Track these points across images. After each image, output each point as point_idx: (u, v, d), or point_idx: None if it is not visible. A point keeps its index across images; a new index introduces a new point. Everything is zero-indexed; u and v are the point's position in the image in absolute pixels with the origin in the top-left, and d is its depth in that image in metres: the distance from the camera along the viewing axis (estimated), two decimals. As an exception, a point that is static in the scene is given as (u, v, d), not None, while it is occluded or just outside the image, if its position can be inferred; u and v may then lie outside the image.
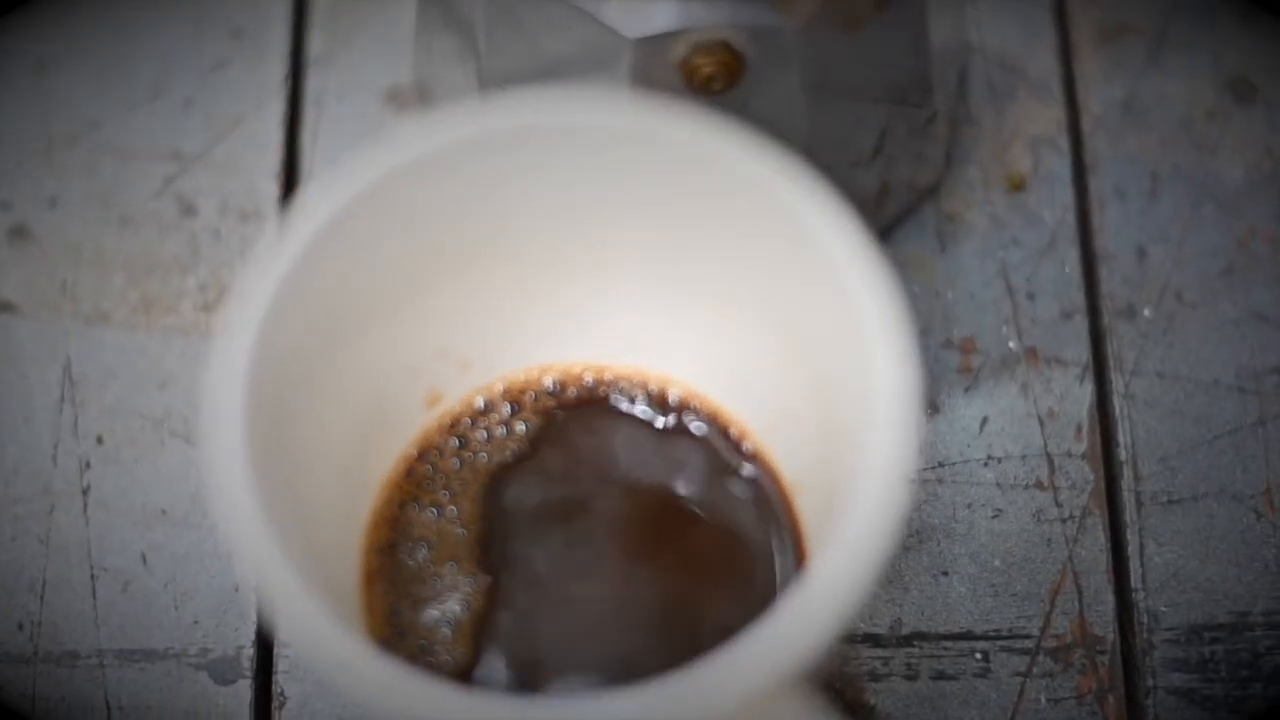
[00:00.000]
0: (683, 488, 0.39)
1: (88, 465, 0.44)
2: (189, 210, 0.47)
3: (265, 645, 0.43)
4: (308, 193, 0.34)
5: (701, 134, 0.34)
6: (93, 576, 0.43)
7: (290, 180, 0.47)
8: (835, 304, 0.33)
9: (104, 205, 0.47)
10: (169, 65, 0.48)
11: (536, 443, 0.39)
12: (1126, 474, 0.45)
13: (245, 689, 0.42)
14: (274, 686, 0.42)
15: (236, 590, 0.43)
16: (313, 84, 0.48)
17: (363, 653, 0.31)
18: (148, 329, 0.46)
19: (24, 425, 0.45)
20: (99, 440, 0.45)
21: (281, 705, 0.42)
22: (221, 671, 0.43)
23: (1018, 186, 0.47)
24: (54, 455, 0.45)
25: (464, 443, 0.39)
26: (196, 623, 0.43)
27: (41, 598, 0.43)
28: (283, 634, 0.33)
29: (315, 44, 0.49)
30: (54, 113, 0.48)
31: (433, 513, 0.38)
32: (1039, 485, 0.45)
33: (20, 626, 0.43)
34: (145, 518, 0.44)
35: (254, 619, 0.43)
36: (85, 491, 0.44)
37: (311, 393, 0.35)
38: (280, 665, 0.43)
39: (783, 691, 0.32)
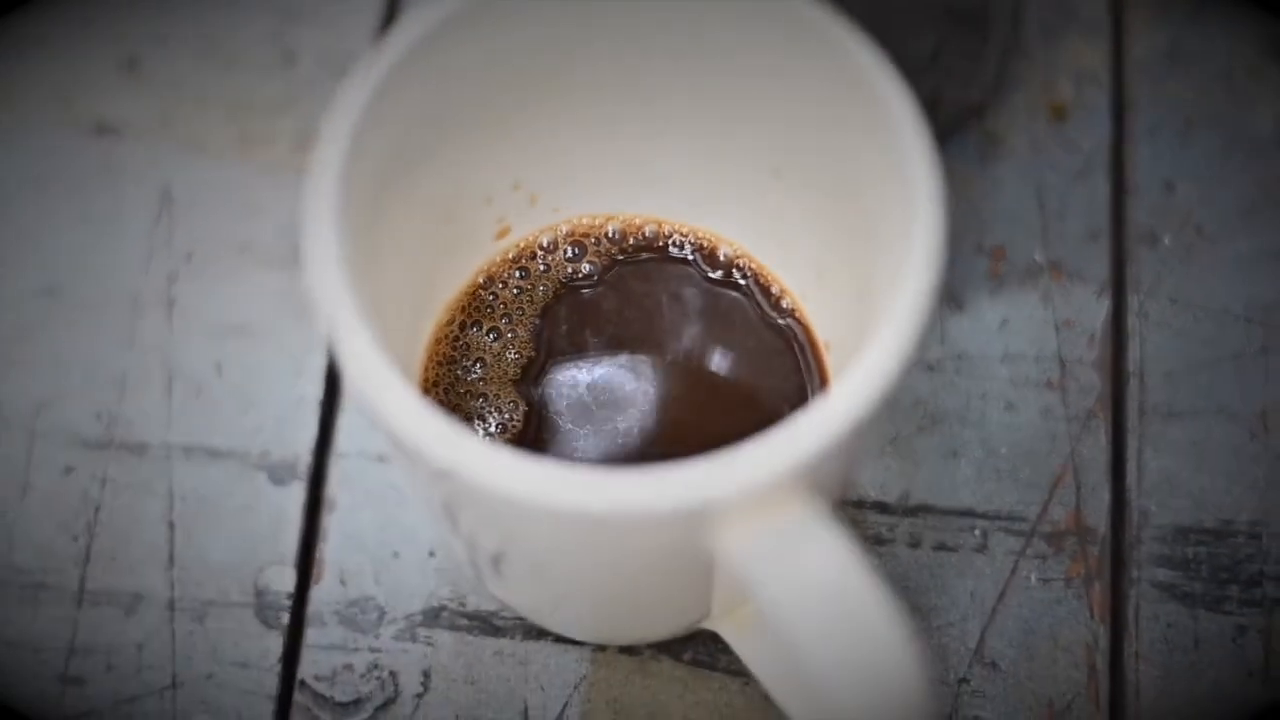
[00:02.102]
0: (723, 335, 0.43)
1: (175, 278, 0.49)
2: (290, 59, 0.51)
3: (321, 454, 0.47)
4: (402, 20, 0.38)
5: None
6: (170, 379, 0.47)
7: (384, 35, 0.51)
8: (887, 163, 0.37)
9: (211, 47, 0.51)
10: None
11: (594, 283, 0.43)
12: (1132, 384, 0.48)
13: (299, 491, 0.47)
14: (325, 491, 0.47)
15: (299, 403, 0.47)
16: None
17: (423, 405, 0.34)
18: (242, 163, 0.50)
19: (119, 238, 0.49)
20: (188, 257, 0.49)
21: (331, 510, 0.46)
22: (278, 474, 0.47)
23: (1059, 116, 0.50)
24: (146, 267, 0.49)
25: (525, 274, 0.43)
26: (260, 429, 0.47)
27: (121, 393, 0.48)
28: (355, 387, 0.37)
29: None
30: None
31: (491, 336, 0.42)
32: (1049, 385, 0.48)
33: (98, 416, 0.47)
34: (223, 331, 0.48)
35: (313, 430, 0.47)
36: (171, 302, 0.48)
37: (394, 202, 0.39)
38: (333, 474, 0.47)
39: (791, 496, 0.35)
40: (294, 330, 0.48)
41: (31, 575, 0.46)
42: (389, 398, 0.34)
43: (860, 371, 0.34)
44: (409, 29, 0.37)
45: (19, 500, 0.47)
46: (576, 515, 0.33)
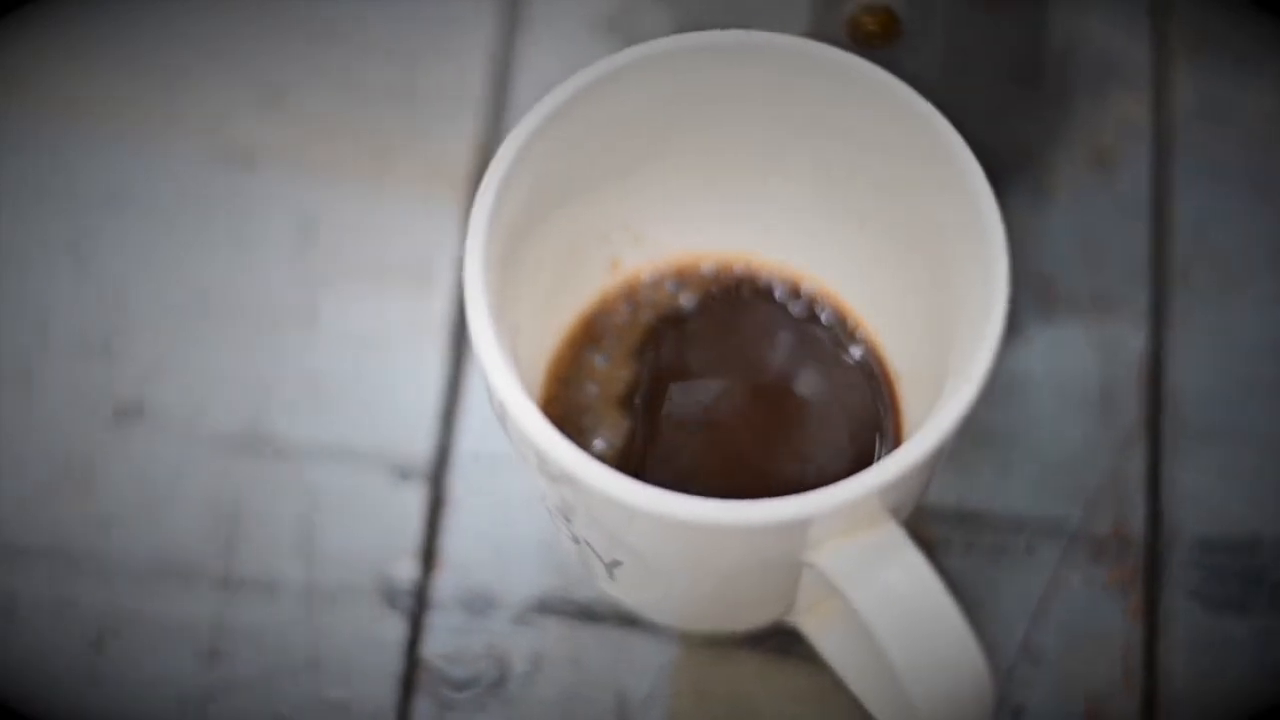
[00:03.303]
0: (805, 365, 0.48)
1: (314, 295, 0.53)
2: (415, 93, 0.55)
3: (443, 456, 0.51)
4: (551, 92, 0.43)
5: (862, 64, 0.43)
6: (307, 386, 0.52)
7: (503, 75, 0.55)
8: (962, 220, 0.42)
9: (347, 81, 0.55)
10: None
11: (692, 314, 0.48)
12: (1170, 408, 0.52)
13: (422, 488, 0.51)
14: (446, 490, 0.51)
15: (424, 409, 0.51)
16: (525, 13, 0.56)
17: (544, 423, 0.40)
18: (374, 189, 0.54)
19: (263, 257, 0.53)
20: (325, 276, 0.53)
21: (451, 506, 0.51)
22: (404, 473, 0.51)
23: (1103, 162, 0.54)
24: (287, 284, 0.53)
25: (632, 305, 0.48)
26: (388, 432, 0.51)
27: (264, 399, 0.52)
28: (495, 395, 0.42)
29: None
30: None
31: (601, 359, 0.47)
32: (1092, 407, 0.52)
33: (243, 420, 0.52)
34: (356, 343, 0.52)
35: (436, 434, 0.51)
36: (309, 317, 0.53)
37: (528, 245, 0.44)
38: (453, 474, 0.51)
39: (877, 515, 0.41)
40: (420, 342, 0.52)
41: (181, 563, 0.50)
42: (529, 413, 0.39)
43: (944, 408, 0.39)
44: (550, 99, 0.42)
45: (171, 495, 0.51)
46: (700, 525, 0.38)
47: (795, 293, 0.48)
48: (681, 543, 0.41)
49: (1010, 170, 0.53)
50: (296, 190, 0.54)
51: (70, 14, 0.56)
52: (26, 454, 0.52)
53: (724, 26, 0.45)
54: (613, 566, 0.44)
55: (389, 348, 0.53)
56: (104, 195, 0.54)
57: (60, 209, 0.54)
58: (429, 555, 0.51)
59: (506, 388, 0.40)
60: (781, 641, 0.49)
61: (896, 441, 0.47)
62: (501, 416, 0.41)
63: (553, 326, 0.47)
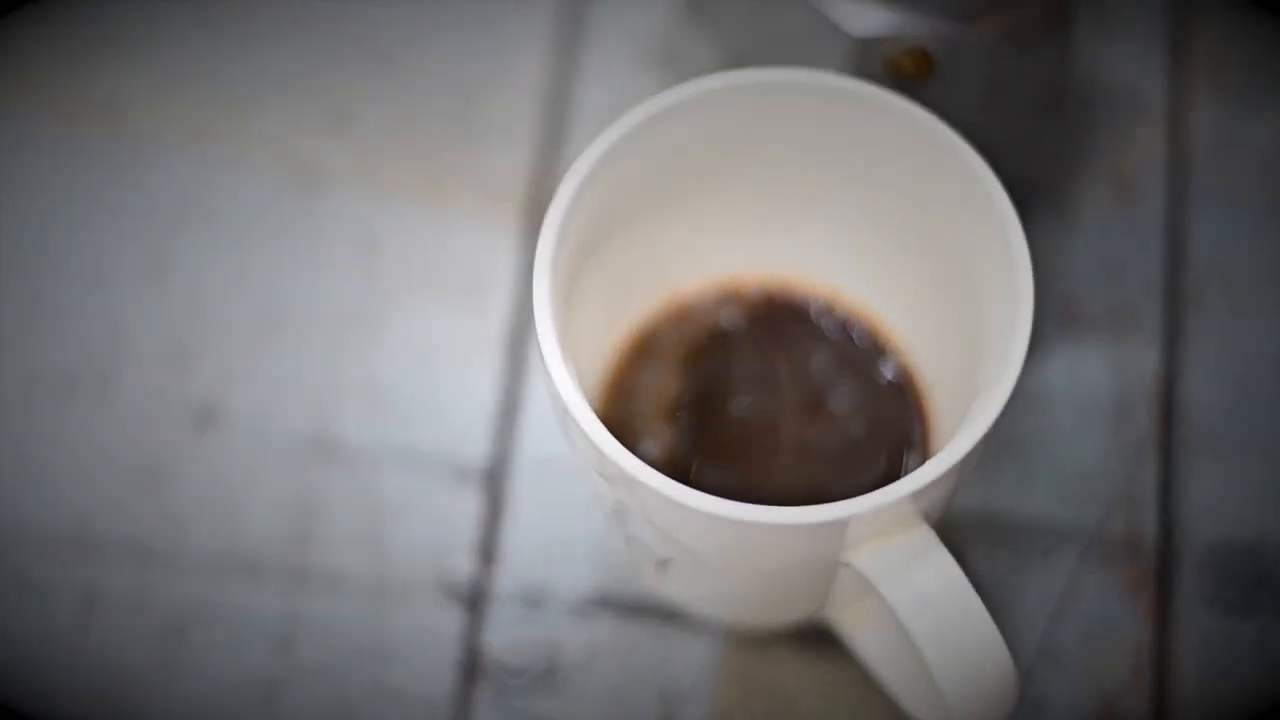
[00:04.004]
0: (839, 378, 0.50)
1: (377, 307, 0.54)
2: (472, 118, 0.57)
3: (502, 458, 0.53)
4: (610, 127, 0.46)
5: (897, 99, 0.46)
6: (373, 392, 0.54)
7: (555, 102, 0.57)
8: (993, 252, 0.45)
9: (408, 106, 0.56)
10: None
11: (736, 331, 0.51)
12: (1181, 419, 0.53)
13: (482, 488, 0.53)
14: (504, 490, 0.52)
15: (483, 414, 0.53)
16: (578, 45, 0.57)
17: (607, 434, 0.43)
18: (437, 209, 0.55)
19: (330, 271, 0.55)
20: (388, 289, 0.55)
21: (509, 506, 0.52)
22: (465, 473, 0.53)
23: (1123, 188, 0.56)
24: (352, 296, 0.55)
25: (680, 322, 0.51)
26: (449, 435, 0.53)
27: (332, 403, 0.54)
28: (559, 403, 0.43)
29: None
30: (379, 30, 0.58)
31: (653, 373, 0.50)
32: (1107, 417, 0.53)
33: (312, 423, 0.53)
34: (419, 352, 0.54)
35: (495, 437, 0.53)
36: (373, 327, 0.54)
37: (588, 266, 0.47)
38: (512, 475, 0.52)
39: (910, 519, 0.44)
40: (477, 352, 0.54)
41: (254, 559, 0.52)
42: (591, 421, 0.43)
43: (972, 420, 0.43)
44: (612, 132, 0.45)
45: (245, 494, 0.53)
46: (751, 525, 0.41)
47: (832, 311, 0.51)
48: (730, 542, 0.44)
49: (1035, 197, 0.55)
50: (360, 209, 0.56)
51: (154, 44, 0.58)
52: (109, 455, 0.53)
53: (767, 62, 0.47)
54: (663, 564, 0.47)
55: (448, 357, 0.54)
56: (181, 213, 0.56)
57: (141, 226, 0.56)
58: (487, 552, 0.52)
59: (571, 397, 0.43)
60: (819, 640, 0.51)
61: (924, 451, 0.50)
62: (564, 423, 0.44)
63: (606, 342, 0.50)
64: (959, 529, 0.52)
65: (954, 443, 0.42)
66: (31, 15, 0.57)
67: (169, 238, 0.56)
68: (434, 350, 0.55)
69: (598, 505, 0.48)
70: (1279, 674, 0.51)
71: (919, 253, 0.49)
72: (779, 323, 0.51)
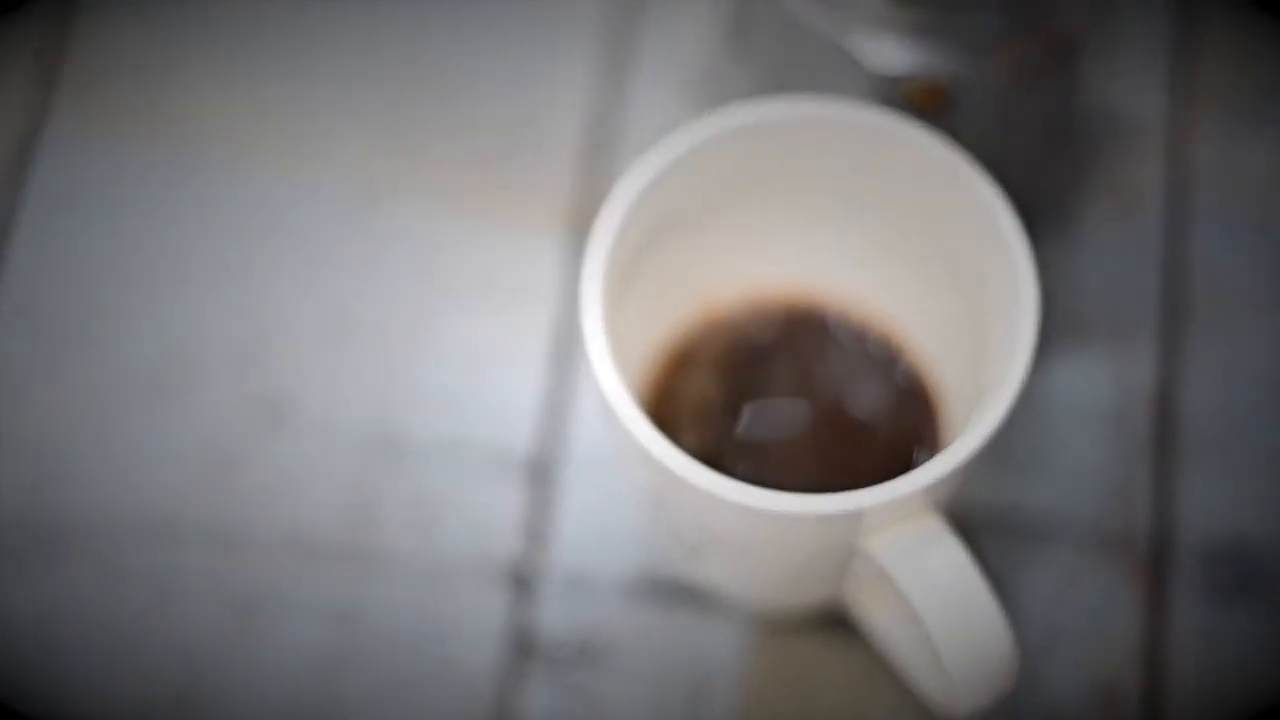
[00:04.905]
0: (857, 383, 0.54)
1: (432, 311, 0.56)
2: (521, 135, 0.59)
3: (550, 450, 0.55)
4: (652, 156, 0.49)
5: (916, 129, 0.49)
6: (428, 387, 0.56)
7: (597, 122, 0.59)
8: (1001, 261, 0.48)
9: (463, 124, 0.58)
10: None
11: (765, 341, 0.54)
12: (1177, 422, 0.54)
13: (530, 478, 0.55)
14: (551, 480, 0.55)
15: (531, 406, 0.55)
16: (622, 72, 0.59)
17: (652, 429, 0.47)
18: (487, 221, 0.57)
19: (388, 278, 0.57)
20: (444, 293, 0.57)
21: (555, 496, 0.54)
22: (515, 463, 0.55)
23: (1124, 208, 0.57)
24: (410, 301, 0.56)
25: (713, 330, 0.54)
26: (500, 427, 0.55)
27: (391, 399, 0.56)
28: (607, 401, 0.46)
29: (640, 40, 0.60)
30: (437, 56, 0.60)
31: (687, 379, 0.54)
32: (1106, 421, 0.55)
33: (371, 417, 0.55)
34: (476, 351, 0.56)
35: (544, 429, 0.55)
36: (429, 330, 0.56)
37: (632, 281, 0.50)
38: (559, 466, 0.55)
39: (922, 510, 0.47)
40: (525, 351, 0.56)
41: (317, 543, 0.54)
42: (636, 417, 0.47)
43: (980, 421, 0.46)
44: (656, 159, 0.49)
45: (309, 483, 0.55)
46: (775, 514, 0.45)
47: (854, 322, 0.54)
48: (757, 529, 0.47)
49: (1042, 216, 0.56)
50: (416, 220, 0.58)
51: (227, 62, 0.59)
52: (184, 447, 0.56)
53: (796, 89, 0.51)
54: (695, 549, 0.50)
55: (497, 356, 0.56)
56: (251, 223, 0.58)
57: (216, 235, 0.58)
58: (535, 537, 0.54)
59: (618, 396, 0.47)
60: (842, 628, 0.53)
61: (934, 449, 0.53)
62: (611, 419, 0.47)
63: (646, 349, 0.53)
64: (967, 519, 0.53)
65: (961, 441, 0.46)
66: (104, 31, 0.60)
67: (240, 246, 0.58)
68: (484, 350, 0.57)
69: (638, 494, 0.51)
70: (1266, 658, 0.53)
71: (933, 268, 0.52)
72: (802, 332, 0.54)
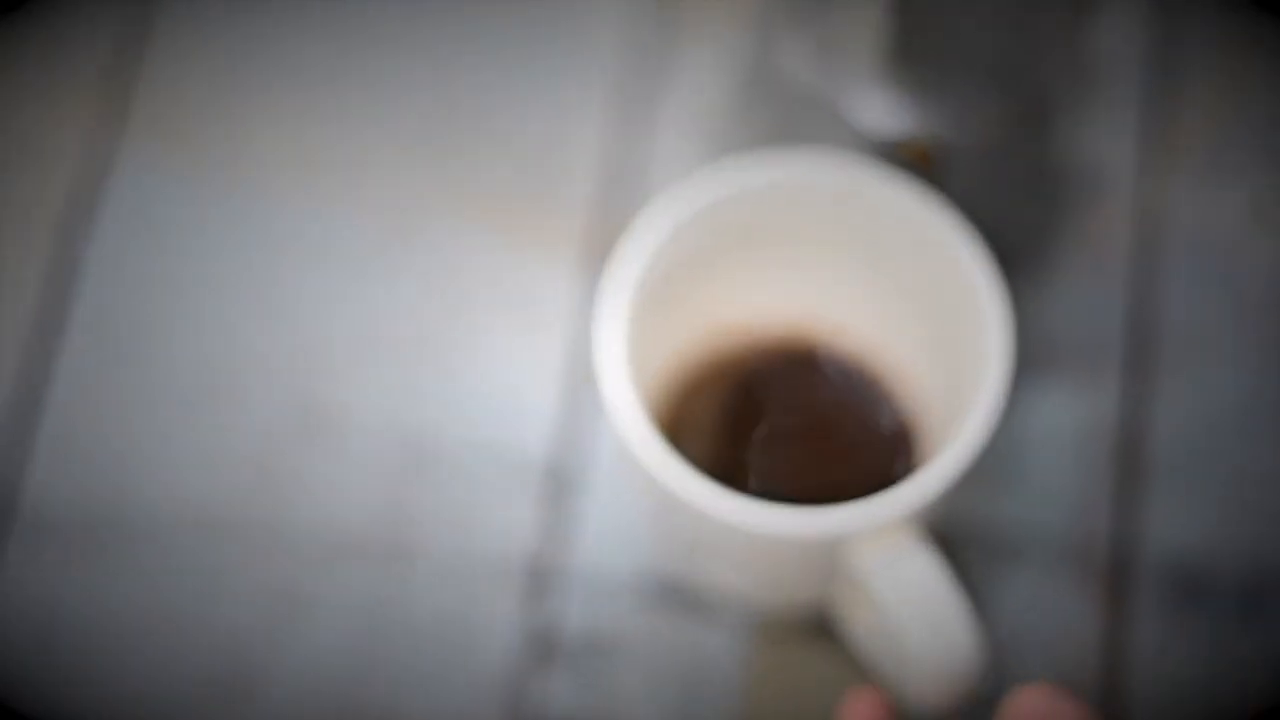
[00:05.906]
0: (844, 413, 0.56)
1: (460, 328, 0.58)
2: (547, 163, 0.60)
3: (565, 459, 0.57)
4: (663, 214, 0.51)
5: (902, 182, 0.51)
6: (455, 398, 0.57)
7: (610, 159, 0.61)
8: (977, 306, 0.50)
9: (494, 146, 0.60)
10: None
11: (765, 372, 0.56)
12: (1140, 451, 0.56)
13: (547, 481, 0.56)
14: (567, 486, 0.56)
15: (546, 417, 0.57)
16: (639, 108, 0.61)
17: (668, 455, 0.49)
18: (513, 245, 0.59)
19: (419, 296, 0.58)
20: (472, 313, 0.58)
21: (570, 500, 0.56)
22: (533, 467, 0.57)
23: (1094, 255, 0.59)
24: (437, 319, 0.58)
25: (717, 361, 0.57)
26: (518, 435, 0.57)
27: (422, 408, 0.58)
28: (613, 417, 0.48)
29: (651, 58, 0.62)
30: (468, 92, 0.62)
31: (693, 405, 0.56)
32: (1078, 441, 0.57)
33: (401, 423, 0.57)
34: (500, 364, 0.58)
35: (560, 439, 0.57)
36: (455, 347, 0.58)
37: (645, 321, 0.52)
38: (575, 474, 0.56)
39: (900, 528, 0.51)
40: (544, 366, 0.58)
41: (353, 542, 0.56)
42: (654, 452, 0.50)
43: (953, 449, 0.49)
44: (672, 212, 0.52)
45: (340, 484, 0.56)
46: (763, 533, 0.49)
47: (843, 356, 0.56)
48: (746, 539, 0.50)
49: (1019, 262, 0.58)
50: (445, 245, 0.60)
51: (275, 104, 0.62)
52: (229, 452, 0.57)
53: (798, 141, 0.54)
54: (694, 551, 0.53)
55: (520, 370, 0.58)
56: (296, 246, 0.60)
57: (264, 257, 0.60)
58: (553, 538, 0.56)
59: (626, 416, 0.50)
60: (827, 634, 0.55)
61: (913, 468, 0.54)
62: (618, 432, 0.49)
63: (659, 377, 0.55)
64: (944, 533, 0.55)
65: (938, 463, 0.50)
66: (162, 59, 0.61)
67: (285, 266, 0.60)
68: (507, 365, 0.58)
69: (646, 502, 0.52)
70: (1219, 668, 0.55)
71: (916, 307, 0.54)
72: (797, 365, 0.56)
